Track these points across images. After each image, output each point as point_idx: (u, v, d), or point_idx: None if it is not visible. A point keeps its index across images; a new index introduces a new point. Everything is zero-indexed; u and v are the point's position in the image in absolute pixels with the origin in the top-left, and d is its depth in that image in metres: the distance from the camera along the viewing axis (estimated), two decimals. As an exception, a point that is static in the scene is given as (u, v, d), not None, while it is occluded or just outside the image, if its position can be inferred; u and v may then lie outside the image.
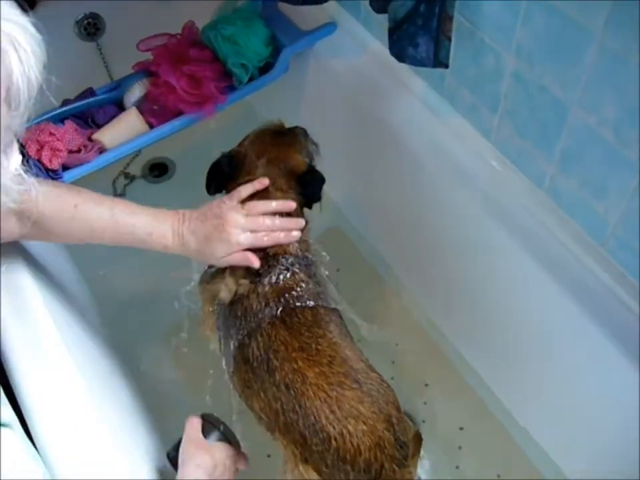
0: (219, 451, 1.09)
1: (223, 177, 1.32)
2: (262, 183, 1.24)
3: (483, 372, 1.58)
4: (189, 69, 1.46)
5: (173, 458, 1.09)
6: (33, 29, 0.67)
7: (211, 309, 1.29)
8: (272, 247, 1.23)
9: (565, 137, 1.14)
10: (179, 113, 1.48)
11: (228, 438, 1.12)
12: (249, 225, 1.18)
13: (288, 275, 1.21)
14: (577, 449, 1.38)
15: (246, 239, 1.17)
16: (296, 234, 1.23)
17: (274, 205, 1.22)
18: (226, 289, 1.23)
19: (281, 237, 1.21)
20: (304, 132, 1.40)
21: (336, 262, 1.73)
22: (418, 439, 1.29)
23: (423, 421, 1.54)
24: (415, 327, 1.68)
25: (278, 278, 1.20)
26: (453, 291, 1.54)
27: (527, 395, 1.47)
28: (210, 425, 1.12)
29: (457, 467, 1.51)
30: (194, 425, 1.10)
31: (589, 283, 1.19)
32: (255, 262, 1.18)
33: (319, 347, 1.14)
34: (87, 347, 1.28)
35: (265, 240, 1.19)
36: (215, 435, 1.11)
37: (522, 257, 1.26)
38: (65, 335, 1.11)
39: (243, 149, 1.34)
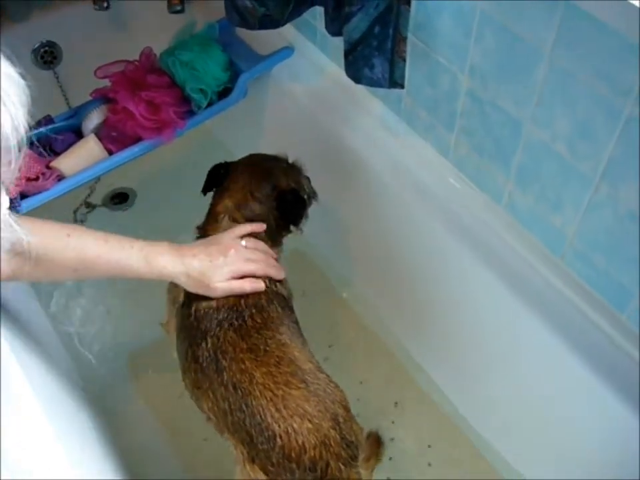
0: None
1: (217, 179, 1.37)
2: (261, 226, 1.28)
3: (448, 390, 1.58)
4: (147, 95, 1.46)
5: None
6: (17, 76, 0.66)
7: (173, 310, 1.31)
8: None
9: (521, 153, 1.16)
10: (137, 139, 1.48)
11: None
12: (249, 253, 1.21)
13: None
14: (542, 458, 1.39)
15: (246, 265, 1.20)
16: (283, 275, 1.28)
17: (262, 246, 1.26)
18: (183, 292, 1.26)
19: (271, 272, 1.24)
20: (300, 167, 1.44)
21: (301, 285, 1.74)
22: (376, 442, 1.30)
23: (392, 439, 1.54)
24: (381, 348, 1.68)
25: None
26: (420, 310, 1.55)
27: (491, 409, 1.48)
28: None
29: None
30: None
31: (549, 295, 1.21)
32: (259, 286, 1.21)
33: (268, 348, 1.16)
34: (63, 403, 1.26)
35: (259, 271, 1.22)
36: None
37: (483, 272, 1.28)
38: (33, 380, 1.09)
39: (240, 160, 1.40)
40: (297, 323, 1.28)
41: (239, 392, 1.13)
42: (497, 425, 1.49)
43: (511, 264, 1.25)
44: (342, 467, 1.13)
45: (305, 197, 1.40)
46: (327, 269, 1.80)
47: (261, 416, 1.10)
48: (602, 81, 0.96)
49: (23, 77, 0.66)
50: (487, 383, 1.45)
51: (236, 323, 1.18)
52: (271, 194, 1.33)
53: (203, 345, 1.17)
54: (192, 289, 1.19)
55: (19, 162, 0.68)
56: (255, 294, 1.23)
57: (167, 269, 1.15)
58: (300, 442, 1.09)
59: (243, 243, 1.22)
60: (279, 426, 1.09)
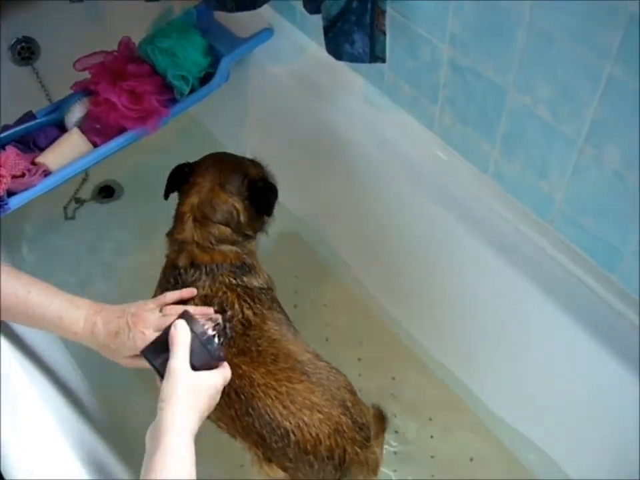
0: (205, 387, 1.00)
1: (180, 180, 1.36)
2: (190, 292, 1.23)
3: (444, 358, 1.60)
4: (129, 85, 1.44)
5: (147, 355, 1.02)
6: None
7: None
8: (200, 256, 1.27)
9: (505, 120, 1.16)
10: (122, 130, 1.47)
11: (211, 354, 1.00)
12: (159, 324, 1.09)
13: (210, 283, 1.24)
14: (545, 420, 1.41)
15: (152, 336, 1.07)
16: None
17: (196, 309, 1.15)
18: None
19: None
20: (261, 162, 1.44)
21: (294, 268, 1.75)
22: (381, 418, 1.31)
23: (394, 415, 1.55)
24: (378, 324, 1.69)
25: (198, 285, 1.23)
26: (412, 283, 1.56)
27: (488, 374, 1.50)
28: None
29: (432, 457, 1.52)
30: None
31: (540, 259, 1.22)
32: None
33: (260, 348, 1.16)
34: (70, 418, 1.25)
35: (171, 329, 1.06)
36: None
37: (473, 241, 1.29)
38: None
39: (201, 159, 1.39)
40: (283, 313, 1.28)
41: (242, 397, 1.12)
42: (495, 390, 1.51)
43: (501, 231, 1.26)
44: (358, 450, 1.14)
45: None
46: (319, 248, 1.80)
47: (269, 416, 1.10)
48: (581, 43, 0.96)
49: None
50: (483, 349, 1.47)
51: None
52: (242, 184, 1.33)
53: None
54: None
55: None
56: (227, 296, 1.22)
57: (78, 336, 1.12)
58: (314, 434, 1.10)
59: (164, 311, 1.13)
60: (290, 422, 1.09)
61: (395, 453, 1.50)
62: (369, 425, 1.20)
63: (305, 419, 1.10)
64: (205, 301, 1.23)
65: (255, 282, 1.29)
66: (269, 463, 1.15)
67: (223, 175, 1.33)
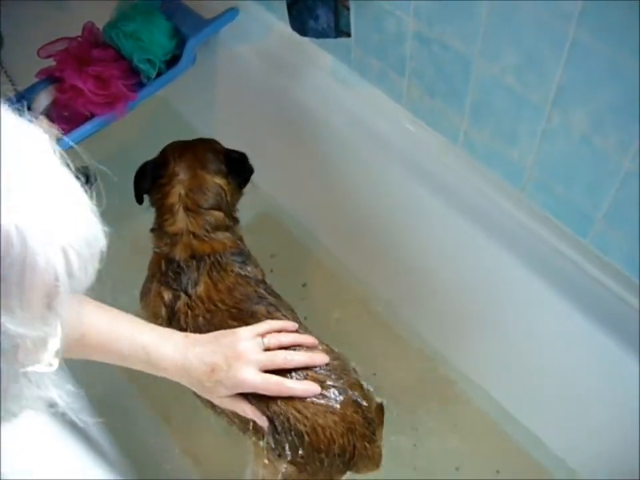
0: None
1: (149, 179, 1.34)
2: (293, 325, 1.14)
3: (429, 337, 1.60)
4: (94, 70, 1.43)
5: None
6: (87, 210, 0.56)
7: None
8: (199, 247, 1.25)
9: (472, 89, 1.17)
10: (90, 116, 1.46)
11: None
12: (265, 361, 1.01)
13: (222, 275, 1.22)
14: (536, 400, 1.43)
15: (255, 380, 1.01)
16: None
17: (297, 338, 1.10)
18: (161, 304, 1.23)
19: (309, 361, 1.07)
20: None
21: (270, 248, 1.74)
22: (380, 410, 1.32)
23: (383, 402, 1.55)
24: (357, 301, 1.69)
25: (211, 279, 1.21)
26: (389, 258, 1.56)
27: (475, 352, 1.52)
28: None
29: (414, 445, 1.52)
30: None
31: (513, 227, 1.23)
32: (263, 422, 1.06)
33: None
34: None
35: (273, 388, 1.03)
36: None
37: (446, 213, 1.29)
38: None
39: (164, 152, 1.37)
40: (291, 308, 1.25)
41: (254, 399, 1.08)
42: (485, 368, 1.52)
43: (473, 201, 1.27)
44: (367, 444, 1.13)
45: None
46: (294, 228, 1.80)
47: (283, 419, 1.07)
48: (544, 8, 0.96)
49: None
50: (468, 325, 1.47)
51: (244, 325, 1.13)
52: (219, 160, 1.33)
53: None
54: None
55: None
56: (242, 287, 1.20)
57: (168, 373, 1.01)
58: (328, 434, 1.08)
59: (264, 341, 1.05)
60: (305, 425, 1.07)
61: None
62: (375, 418, 1.21)
63: (320, 421, 1.08)
64: (232, 294, 1.20)
65: (257, 272, 1.27)
66: (279, 458, 1.13)
67: (200, 158, 1.32)
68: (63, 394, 0.58)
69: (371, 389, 1.44)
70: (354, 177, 1.49)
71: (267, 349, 1.04)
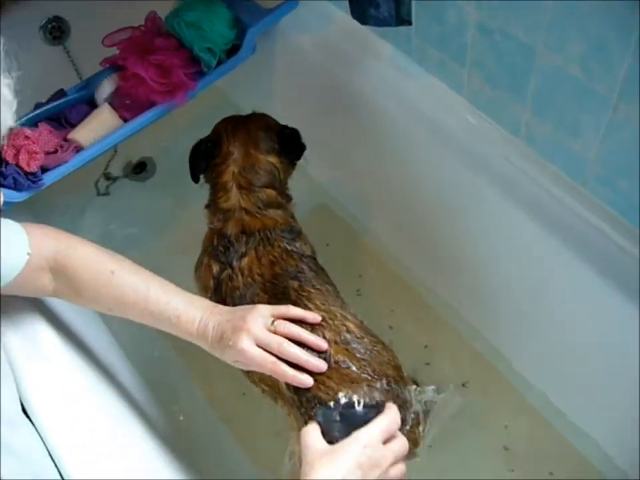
0: (344, 453, 0.92)
1: (204, 159, 1.36)
2: (314, 318, 1.11)
3: (477, 324, 1.59)
4: (156, 59, 1.45)
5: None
6: None
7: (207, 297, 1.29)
8: (251, 223, 1.26)
9: (535, 80, 1.14)
10: (151, 105, 1.48)
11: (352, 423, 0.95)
12: (262, 339, 1.02)
13: (268, 250, 1.23)
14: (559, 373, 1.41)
15: (253, 352, 1.02)
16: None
17: (306, 336, 1.07)
18: (212, 279, 1.25)
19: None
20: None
21: (325, 237, 1.75)
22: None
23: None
24: (408, 291, 1.68)
25: (257, 254, 1.22)
26: (443, 250, 1.55)
27: (525, 342, 1.49)
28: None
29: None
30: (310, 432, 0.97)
31: (573, 223, 1.20)
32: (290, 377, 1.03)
33: (303, 325, 1.10)
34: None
35: (269, 366, 1.02)
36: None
37: (505, 206, 1.27)
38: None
39: (218, 129, 1.39)
40: (331, 283, 1.25)
41: None
42: (535, 360, 1.50)
43: (533, 195, 1.24)
44: (403, 427, 1.12)
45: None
46: (349, 217, 1.80)
47: (310, 395, 1.06)
48: (612, -4, 0.94)
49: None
50: (515, 314, 1.46)
51: (273, 300, 1.15)
52: (271, 138, 1.34)
53: None
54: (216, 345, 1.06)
55: None
56: (284, 262, 1.21)
57: (192, 337, 1.06)
58: None
59: (274, 323, 1.06)
60: (328, 395, 1.05)
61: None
62: (412, 403, 1.19)
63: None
64: (273, 268, 1.21)
65: (305, 249, 1.28)
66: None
67: (253, 136, 1.33)
68: None
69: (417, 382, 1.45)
70: (412, 168, 1.48)
71: (274, 332, 1.05)
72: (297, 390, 1.06)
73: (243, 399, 1.42)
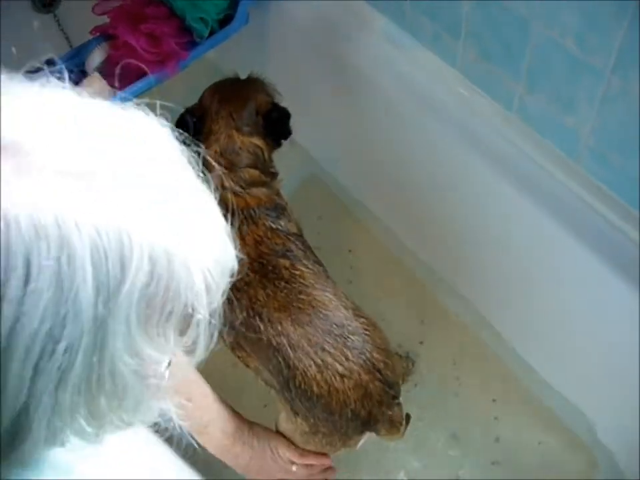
0: None
1: (191, 129, 1.32)
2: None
3: (474, 300, 1.59)
4: (147, 27, 1.43)
5: None
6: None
7: None
8: (234, 202, 1.24)
9: (530, 53, 1.13)
10: (142, 74, 1.46)
11: None
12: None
13: (252, 229, 1.23)
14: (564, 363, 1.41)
15: None
16: None
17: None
18: None
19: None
20: (259, 77, 1.40)
21: (316, 210, 1.74)
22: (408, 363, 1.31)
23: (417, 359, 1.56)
24: (401, 266, 1.68)
25: (241, 233, 1.21)
26: (435, 224, 1.54)
27: (521, 319, 1.50)
28: None
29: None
30: None
31: (566, 197, 1.20)
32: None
33: (300, 305, 1.15)
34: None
35: None
36: None
37: (497, 180, 1.26)
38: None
39: (204, 101, 1.35)
40: (320, 263, 1.25)
41: (279, 357, 1.13)
42: (533, 343, 1.50)
43: (526, 169, 1.24)
44: (385, 409, 1.15)
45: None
46: (341, 191, 1.79)
47: (301, 378, 1.11)
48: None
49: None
50: (509, 290, 1.46)
51: (264, 280, 1.17)
52: (257, 120, 1.31)
53: (237, 305, 1.15)
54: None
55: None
56: (270, 241, 1.21)
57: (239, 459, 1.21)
58: (342, 399, 1.10)
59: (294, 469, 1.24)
60: (321, 387, 1.10)
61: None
62: (399, 379, 1.20)
63: (336, 384, 1.10)
64: (258, 247, 1.21)
65: (290, 226, 1.27)
66: (295, 416, 1.17)
67: (236, 117, 1.29)
68: (175, 406, 0.58)
69: (409, 357, 1.45)
70: (404, 140, 1.47)
71: None
72: (291, 383, 1.12)
73: (232, 370, 1.41)
